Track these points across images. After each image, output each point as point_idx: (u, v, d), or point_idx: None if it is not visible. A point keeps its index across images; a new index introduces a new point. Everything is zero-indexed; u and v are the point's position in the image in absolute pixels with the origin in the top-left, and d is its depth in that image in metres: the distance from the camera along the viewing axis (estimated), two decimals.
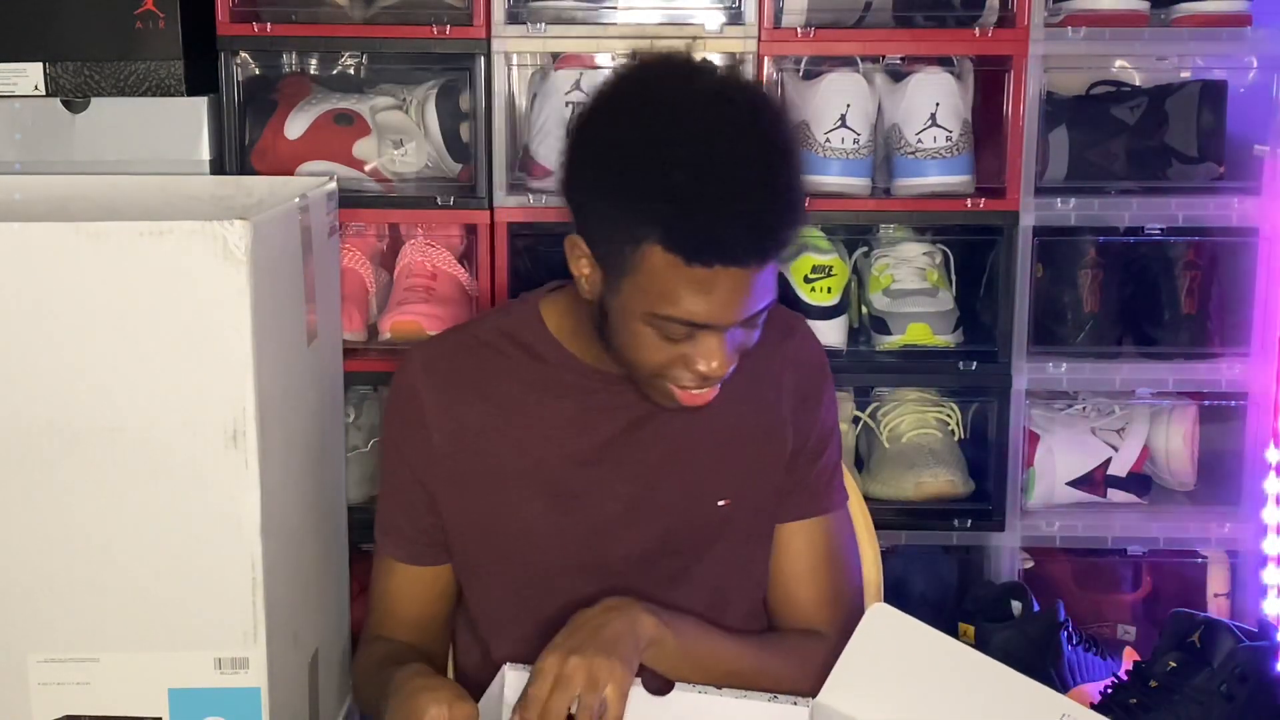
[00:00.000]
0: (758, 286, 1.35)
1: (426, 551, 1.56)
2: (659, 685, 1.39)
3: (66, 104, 2.09)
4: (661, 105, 1.35)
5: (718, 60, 2.20)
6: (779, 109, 1.41)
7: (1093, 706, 1.40)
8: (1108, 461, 2.28)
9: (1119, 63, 2.33)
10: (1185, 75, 2.28)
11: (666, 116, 1.33)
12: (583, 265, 1.41)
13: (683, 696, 1.39)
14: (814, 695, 1.41)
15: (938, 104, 2.13)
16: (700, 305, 1.33)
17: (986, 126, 2.20)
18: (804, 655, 1.50)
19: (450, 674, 1.64)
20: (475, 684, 1.40)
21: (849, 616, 1.55)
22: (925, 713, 1.37)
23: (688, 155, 1.30)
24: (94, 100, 2.08)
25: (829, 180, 2.15)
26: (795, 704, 1.38)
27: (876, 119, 2.19)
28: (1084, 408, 2.33)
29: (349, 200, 2.06)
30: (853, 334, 2.26)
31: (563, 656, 1.33)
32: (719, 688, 1.40)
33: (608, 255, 1.37)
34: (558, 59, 2.18)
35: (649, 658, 1.40)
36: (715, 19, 2.13)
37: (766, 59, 2.13)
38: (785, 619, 1.59)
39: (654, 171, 1.31)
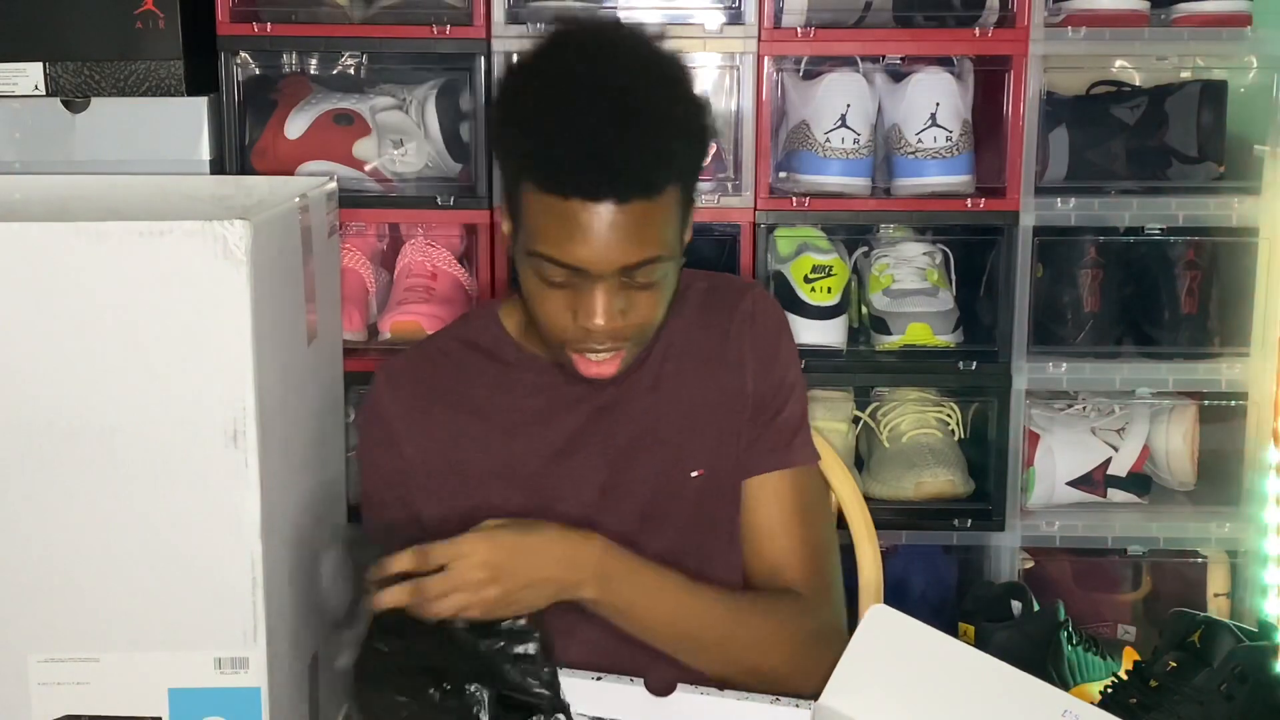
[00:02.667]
0: (629, 234, 1.35)
1: None
2: (661, 686, 1.39)
3: (66, 104, 2.09)
4: (546, 48, 1.42)
5: (717, 59, 2.21)
6: (668, 68, 1.42)
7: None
8: (1108, 461, 2.27)
9: (1119, 63, 2.33)
10: (1185, 75, 2.28)
11: (544, 55, 1.42)
12: (505, 225, 1.46)
13: (684, 697, 1.39)
14: (792, 664, 1.44)
15: (938, 104, 2.13)
16: (565, 243, 1.35)
17: (986, 126, 2.20)
18: (783, 616, 1.49)
19: None
20: None
21: (822, 577, 1.56)
22: (927, 713, 1.37)
23: (550, 85, 1.37)
24: (94, 100, 2.08)
25: (829, 180, 2.15)
26: (797, 706, 1.39)
27: (876, 119, 2.19)
28: (1084, 408, 2.33)
29: (349, 200, 2.06)
30: (853, 334, 2.26)
31: (487, 567, 1.36)
32: (720, 689, 1.40)
33: (510, 205, 1.43)
34: None
35: (590, 607, 1.43)
36: (715, 19, 2.13)
37: (766, 59, 2.13)
38: (757, 573, 1.58)
39: (519, 103, 1.39)
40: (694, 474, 1.55)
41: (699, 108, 1.43)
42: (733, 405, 1.56)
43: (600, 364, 1.44)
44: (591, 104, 1.34)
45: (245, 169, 2.14)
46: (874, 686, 1.38)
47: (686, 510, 1.55)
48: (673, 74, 1.42)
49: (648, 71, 1.39)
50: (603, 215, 1.34)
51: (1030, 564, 2.31)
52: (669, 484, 1.54)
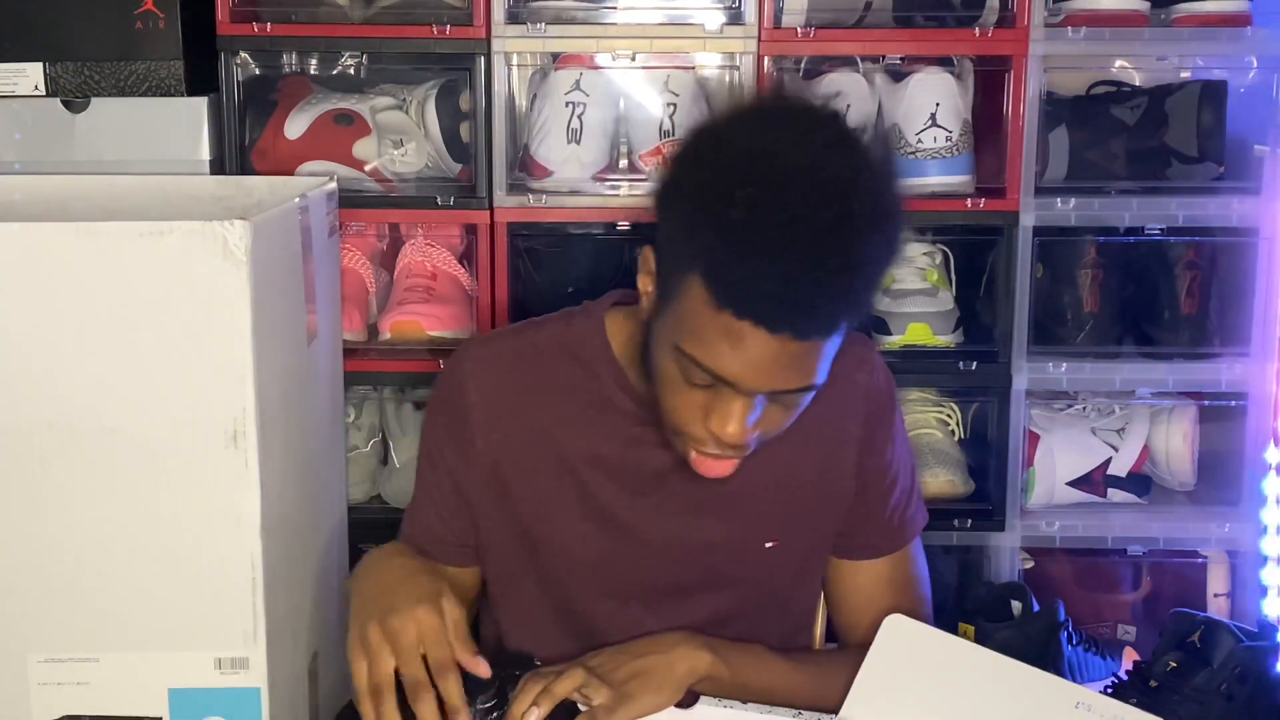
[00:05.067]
0: (793, 363, 1.27)
1: (456, 552, 1.52)
2: (684, 698, 1.39)
3: (66, 104, 2.09)
4: (762, 143, 1.26)
5: (717, 59, 2.20)
6: (880, 203, 1.27)
7: None
8: (1108, 461, 2.27)
9: (1119, 63, 2.33)
10: (1185, 75, 2.28)
11: (758, 155, 1.25)
12: (646, 281, 1.36)
13: (707, 710, 1.39)
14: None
15: (938, 104, 2.13)
16: (723, 357, 1.26)
17: (986, 126, 2.20)
18: None
19: None
20: None
21: None
22: (946, 717, 1.38)
23: (756, 198, 1.22)
24: (94, 100, 2.08)
25: None
26: (820, 719, 1.39)
27: (876, 119, 2.19)
28: (1084, 408, 2.33)
29: (349, 200, 2.06)
30: None
31: (593, 676, 1.34)
32: (744, 702, 1.40)
33: (664, 276, 1.32)
34: (558, 59, 2.18)
35: (703, 688, 1.41)
36: (715, 19, 2.13)
37: (766, 59, 2.13)
38: (845, 631, 1.58)
39: (718, 203, 1.23)
40: (768, 544, 1.51)
41: (898, 240, 1.31)
42: (827, 482, 1.52)
43: (719, 464, 1.36)
44: (799, 236, 1.21)
45: (245, 169, 2.14)
46: (893, 696, 1.39)
47: (751, 578, 1.52)
48: (887, 203, 1.28)
49: (862, 214, 1.24)
50: (773, 344, 1.24)
51: (1030, 564, 2.31)
52: (739, 550, 1.51)
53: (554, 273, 2.26)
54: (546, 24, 2.11)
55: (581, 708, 1.34)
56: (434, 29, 2.11)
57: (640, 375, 1.43)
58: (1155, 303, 2.28)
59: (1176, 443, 2.30)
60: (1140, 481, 2.30)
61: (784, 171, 1.23)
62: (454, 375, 1.50)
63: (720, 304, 1.24)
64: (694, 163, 1.30)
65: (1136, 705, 1.77)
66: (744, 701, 1.41)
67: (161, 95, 2.08)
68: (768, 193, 1.22)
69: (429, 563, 1.42)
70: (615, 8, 2.16)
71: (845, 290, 1.25)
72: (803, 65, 2.20)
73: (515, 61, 2.19)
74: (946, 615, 2.10)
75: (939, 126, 2.13)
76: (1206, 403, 2.29)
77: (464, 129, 2.21)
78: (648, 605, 1.50)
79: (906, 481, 1.57)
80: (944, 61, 2.17)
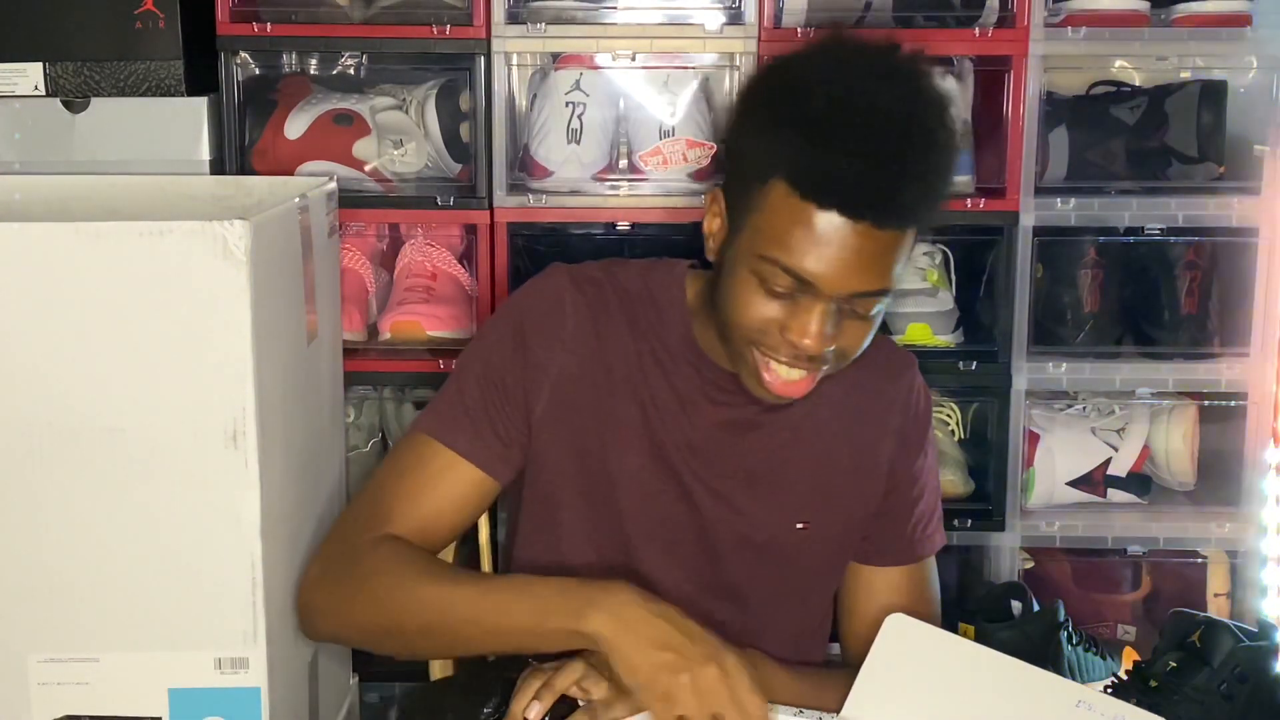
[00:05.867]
0: (871, 261, 1.32)
1: (500, 460, 1.49)
2: None
3: (66, 104, 2.09)
4: (827, 57, 1.38)
5: (717, 59, 2.20)
6: (945, 99, 1.38)
7: None
8: (1108, 461, 2.28)
9: (1119, 63, 2.33)
10: (1185, 75, 2.28)
11: (828, 64, 1.36)
12: (715, 222, 1.42)
13: None
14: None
15: None
16: (806, 254, 1.31)
17: (986, 126, 2.20)
18: None
19: None
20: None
21: None
22: (948, 716, 1.38)
23: (834, 93, 1.32)
24: (94, 100, 2.08)
25: None
26: (821, 718, 1.39)
27: None
28: (1084, 408, 2.33)
29: (349, 200, 2.06)
30: None
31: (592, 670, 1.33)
32: None
33: (738, 202, 1.38)
34: (558, 59, 2.18)
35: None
36: (715, 19, 2.13)
37: (766, 59, 2.13)
38: (856, 657, 1.57)
39: (800, 103, 1.32)
40: (798, 525, 1.53)
41: (958, 139, 1.41)
42: (860, 475, 1.55)
43: (793, 383, 1.39)
44: (879, 123, 1.30)
45: (245, 169, 2.14)
46: (894, 694, 1.39)
47: (774, 555, 1.54)
48: (949, 113, 1.38)
49: (932, 106, 1.36)
50: (854, 236, 1.31)
51: (1030, 564, 2.32)
52: (769, 527, 1.53)
53: None
54: (546, 24, 2.11)
55: (580, 702, 1.34)
56: (434, 29, 2.11)
57: (707, 338, 1.48)
58: (1155, 303, 2.28)
59: (1176, 443, 2.30)
60: (1140, 481, 2.30)
61: (859, 73, 1.34)
62: (551, 285, 1.53)
63: (804, 195, 1.30)
64: (769, 83, 1.40)
65: (1136, 705, 1.78)
66: None
67: (161, 95, 2.08)
68: (845, 90, 1.32)
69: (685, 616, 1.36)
70: (615, 8, 2.16)
71: (922, 175, 1.32)
72: None
73: (515, 61, 2.19)
74: (947, 615, 2.10)
75: None
76: (1206, 403, 2.29)
77: (464, 129, 2.21)
78: (683, 559, 1.52)
79: (932, 500, 1.60)
80: (944, 61, 2.17)
